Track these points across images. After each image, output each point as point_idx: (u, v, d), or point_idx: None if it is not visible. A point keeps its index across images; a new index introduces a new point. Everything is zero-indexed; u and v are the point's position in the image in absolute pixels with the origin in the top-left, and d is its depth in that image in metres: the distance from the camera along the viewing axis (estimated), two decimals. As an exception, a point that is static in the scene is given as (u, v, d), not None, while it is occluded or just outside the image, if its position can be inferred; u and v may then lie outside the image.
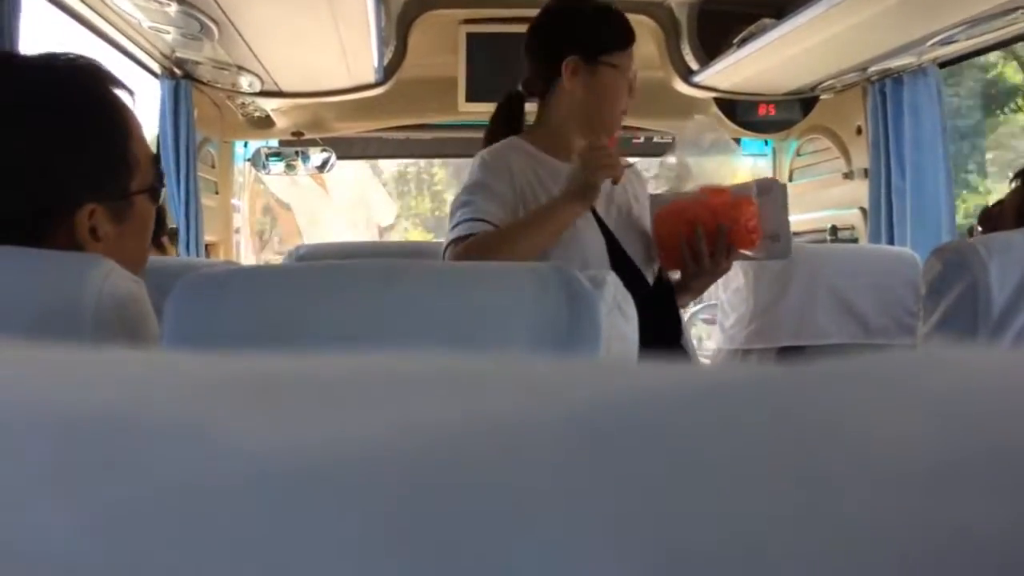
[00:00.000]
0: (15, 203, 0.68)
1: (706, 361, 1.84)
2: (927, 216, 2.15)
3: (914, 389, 0.13)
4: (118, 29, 1.83)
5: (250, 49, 1.95)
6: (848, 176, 2.50)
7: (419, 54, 2.37)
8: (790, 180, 2.79)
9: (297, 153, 2.84)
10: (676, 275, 1.34)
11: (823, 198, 2.60)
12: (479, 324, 0.64)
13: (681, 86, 2.41)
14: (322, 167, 2.91)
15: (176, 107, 2.19)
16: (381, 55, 2.14)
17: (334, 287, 0.67)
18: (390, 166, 9.10)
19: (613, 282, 0.67)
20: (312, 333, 0.64)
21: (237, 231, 2.92)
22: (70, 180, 0.70)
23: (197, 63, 2.11)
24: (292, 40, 1.91)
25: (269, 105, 2.56)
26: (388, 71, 2.34)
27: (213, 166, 2.67)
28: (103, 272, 0.62)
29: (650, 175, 1.40)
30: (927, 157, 2.16)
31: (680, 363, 0.16)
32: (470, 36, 2.38)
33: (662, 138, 2.96)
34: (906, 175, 2.19)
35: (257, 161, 2.86)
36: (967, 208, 4.34)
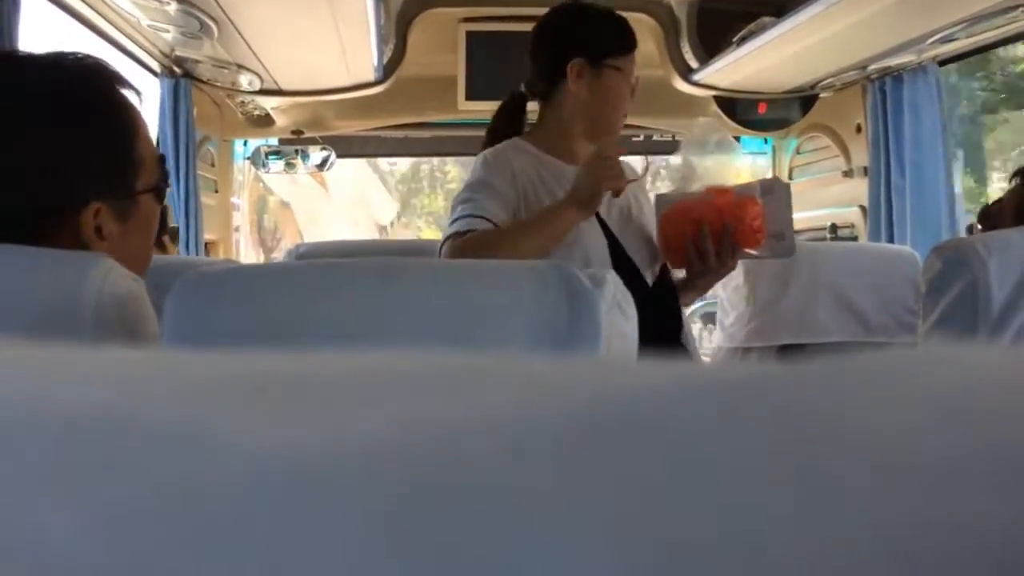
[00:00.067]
0: (22, 201, 0.68)
1: (707, 360, 1.84)
2: (927, 214, 2.15)
3: (914, 387, 0.13)
4: (117, 28, 1.82)
5: (250, 48, 1.95)
6: (848, 174, 2.50)
7: (419, 52, 2.37)
8: (790, 178, 2.79)
9: (297, 151, 2.85)
10: (681, 273, 1.35)
11: (823, 196, 2.60)
12: (479, 322, 0.64)
13: (681, 84, 2.41)
14: (322, 165, 2.91)
15: (176, 106, 2.19)
16: (381, 53, 2.14)
17: (334, 285, 0.67)
18: (402, 164, 9.08)
19: (613, 280, 0.67)
20: (312, 331, 0.64)
21: (237, 229, 2.92)
22: (77, 179, 0.70)
23: (197, 62, 2.11)
24: (292, 38, 1.91)
25: (269, 103, 2.56)
26: (388, 69, 2.34)
27: (213, 164, 2.67)
28: (103, 271, 0.62)
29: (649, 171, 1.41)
30: (927, 155, 2.16)
31: (680, 361, 0.16)
32: (469, 34, 2.38)
33: (662, 136, 2.97)
34: (906, 173, 2.19)
35: (257, 159, 2.86)
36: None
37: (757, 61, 2.13)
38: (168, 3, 1.63)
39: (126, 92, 0.74)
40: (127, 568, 0.11)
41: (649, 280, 1.32)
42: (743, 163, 2.79)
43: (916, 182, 2.16)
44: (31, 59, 0.71)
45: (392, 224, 9.35)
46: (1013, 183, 1.28)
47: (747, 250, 1.28)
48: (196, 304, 0.66)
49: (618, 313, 0.66)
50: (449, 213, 1.26)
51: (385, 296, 0.65)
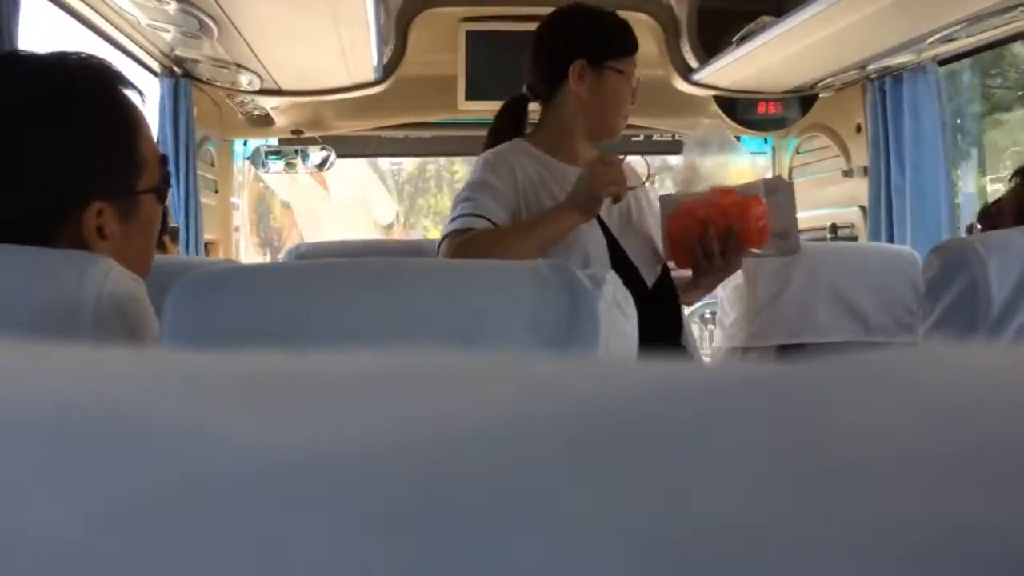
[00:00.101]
0: (25, 201, 0.68)
1: (707, 360, 1.85)
2: (927, 214, 2.15)
3: (913, 386, 0.13)
4: (117, 27, 1.82)
5: (249, 47, 1.95)
6: (848, 174, 2.50)
7: (418, 52, 2.37)
8: (789, 178, 2.79)
9: (297, 151, 2.84)
10: (687, 273, 1.36)
11: (822, 196, 2.60)
12: (479, 322, 0.64)
13: (681, 84, 2.41)
14: (322, 165, 2.91)
15: (175, 105, 2.19)
16: (380, 53, 2.14)
17: (334, 285, 0.67)
18: (408, 163, 9.05)
19: (613, 280, 0.67)
20: (312, 331, 0.64)
21: (237, 229, 2.91)
22: (79, 179, 0.70)
23: (196, 61, 2.11)
24: (291, 38, 1.91)
25: (268, 103, 2.56)
26: (387, 69, 2.34)
27: (212, 164, 2.67)
28: (103, 271, 0.62)
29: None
30: (927, 155, 2.16)
31: (679, 360, 0.16)
32: (469, 34, 2.38)
33: (661, 136, 2.97)
34: (906, 173, 2.19)
35: (256, 159, 2.86)
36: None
37: (757, 61, 2.13)
38: (168, 2, 1.63)
39: (129, 92, 0.74)
40: (127, 566, 0.11)
41: (650, 282, 1.33)
42: (745, 163, 2.79)
43: (916, 182, 2.16)
44: (35, 59, 0.71)
45: (397, 223, 9.33)
46: (1013, 183, 1.28)
47: (752, 249, 1.29)
48: (196, 304, 0.66)
49: (618, 313, 0.66)
50: (450, 211, 1.27)
51: (385, 296, 0.65)
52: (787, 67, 2.20)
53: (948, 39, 1.89)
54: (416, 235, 9.11)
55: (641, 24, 2.18)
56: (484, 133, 1.43)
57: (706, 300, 2.23)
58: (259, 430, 0.12)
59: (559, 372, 0.15)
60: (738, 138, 2.55)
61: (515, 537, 0.10)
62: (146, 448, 0.12)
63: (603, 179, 1.18)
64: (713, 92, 2.47)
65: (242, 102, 2.54)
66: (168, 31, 1.83)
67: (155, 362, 0.17)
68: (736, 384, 0.13)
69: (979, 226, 1.38)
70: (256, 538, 0.11)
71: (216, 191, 2.68)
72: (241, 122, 2.69)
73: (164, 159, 0.78)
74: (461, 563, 0.10)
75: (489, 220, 1.20)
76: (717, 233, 1.26)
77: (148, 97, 0.80)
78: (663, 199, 1.35)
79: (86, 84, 0.71)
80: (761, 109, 2.62)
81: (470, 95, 2.42)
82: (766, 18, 1.98)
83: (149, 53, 2.04)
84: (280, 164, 2.87)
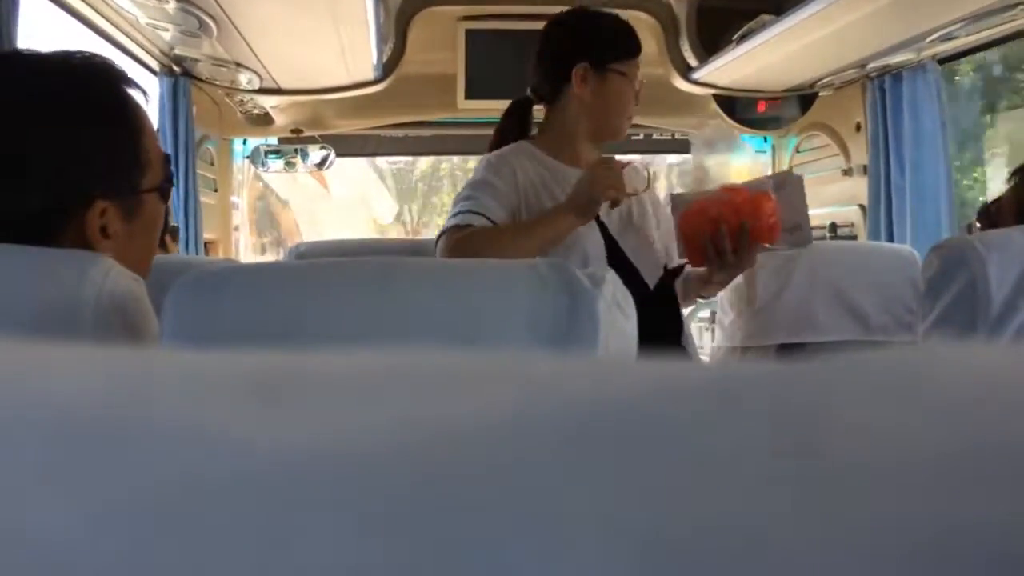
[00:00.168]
0: (28, 200, 0.68)
1: (706, 360, 1.85)
2: (926, 213, 2.15)
3: (913, 385, 0.13)
4: (116, 26, 1.82)
5: (249, 46, 1.94)
6: (847, 173, 2.50)
7: (418, 51, 2.37)
8: (790, 177, 2.79)
9: (296, 150, 2.84)
10: (699, 270, 1.36)
11: (822, 195, 2.60)
12: (478, 321, 0.64)
13: (680, 83, 2.41)
14: (321, 164, 2.91)
15: (175, 104, 2.19)
16: (380, 52, 2.14)
17: (333, 284, 0.67)
18: (421, 161, 9.03)
19: (612, 279, 0.67)
20: (311, 330, 0.64)
21: (236, 229, 2.92)
22: (83, 178, 0.70)
23: (196, 60, 2.11)
24: (291, 37, 1.91)
25: (268, 102, 2.56)
26: (387, 68, 2.34)
27: (212, 164, 2.67)
28: (103, 270, 0.62)
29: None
30: (927, 154, 2.16)
31: (679, 360, 0.16)
32: (469, 33, 2.38)
33: (661, 135, 2.97)
34: (905, 172, 2.19)
35: (256, 158, 2.86)
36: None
37: (756, 59, 2.13)
38: (167, 1, 1.63)
39: (133, 91, 0.74)
40: (127, 566, 0.11)
41: (651, 283, 1.33)
42: (745, 161, 2.79)
43: (916, 181, 2.16)
44: (39, 58, 0.71)
45: (409, 220, 9.29)
46: (1012, 182, 1.28)
47: (766, 244, 1.30)
48: (196, 303, 0.66)
49: (617, 312, 0.66)
50: (451, 209, 1.28)
51: (384, 295, 0.65)
52: (787, 66, 2.20)
53: (948, 37, 1.89)
54: (429, 233, 9.12)
55: (640, 23, 2.18)
56: (484, 132, 1.44)
57: (706, 302, 2.23)
58: (259, 430, 0.12)
59: (558, 371, 0.15)
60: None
61: (515, 537, 0.10)
62: (146, 448, 0.12)
63: (603, 182, 1.18)
64: (713, 91, 2.47)
65: (241, 101, 2.53)
66: (167, 30, 1.83)
67: (155, 362, 0.17)
68: (736, 384, 0.13)
69: (979, 225, 1.38)
70: (256, 538, 0.11)
71: (216, 190, 2.67)
72: (240, 121, 2.69)
73: (167, 158, 0.78)
74: (460, 563, 0.10)
75: (488, 218, 1.21)
76: (729, 231, 1.26)
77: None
78: (674, 198, 1.35)
79: (90, 83, 0.71)
80: (761, 108, 2.62)
81: (469, 94, 2.42)
82: (766, 16, 1.98)
83: (148, 52, 2.04)
84: (280, 163, 2.87)
